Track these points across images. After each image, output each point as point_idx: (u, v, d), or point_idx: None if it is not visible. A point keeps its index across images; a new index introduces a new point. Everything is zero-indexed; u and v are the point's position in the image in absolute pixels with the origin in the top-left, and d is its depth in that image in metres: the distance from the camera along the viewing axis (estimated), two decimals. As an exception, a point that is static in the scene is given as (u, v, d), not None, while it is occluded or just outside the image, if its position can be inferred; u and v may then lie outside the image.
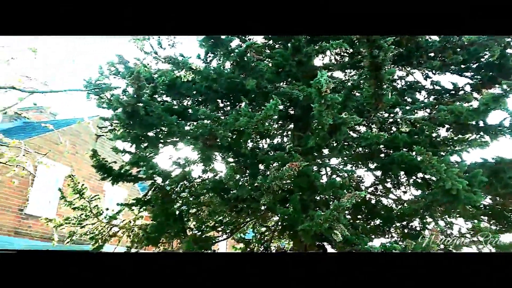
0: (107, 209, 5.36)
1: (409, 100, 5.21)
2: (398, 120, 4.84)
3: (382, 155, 4.89)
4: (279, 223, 5.22)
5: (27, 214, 10.99)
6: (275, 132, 5.52)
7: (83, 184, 5.21)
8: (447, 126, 4.55)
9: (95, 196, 5.23)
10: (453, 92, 5.04)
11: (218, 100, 5.19)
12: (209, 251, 4.90)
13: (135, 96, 4.65)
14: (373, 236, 4.67)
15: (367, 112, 4.58)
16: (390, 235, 4.85)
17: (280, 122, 5.54)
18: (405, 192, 4.82)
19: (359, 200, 4.75)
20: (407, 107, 4.69)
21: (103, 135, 7.78)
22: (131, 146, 4.92)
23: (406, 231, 4.68)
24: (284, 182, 3.94)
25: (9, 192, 10.58)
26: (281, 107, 5.19)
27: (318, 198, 4.47)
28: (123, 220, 5.32)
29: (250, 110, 4.15)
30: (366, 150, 4.91)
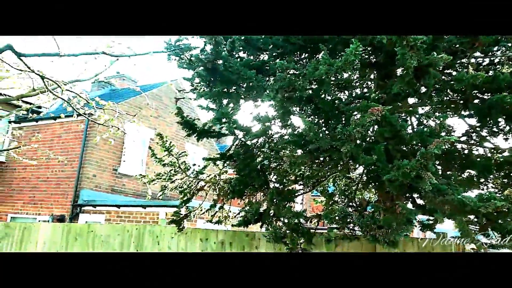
0: (194, 164, 5.67)
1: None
2: (497, 60, 4.33)
3: (477, 100, 4.46)
4: (364, 175, 5.11)
5: (121, 174, 12.13)
6: (356, 83, 5.29)
7: (170, 142, 5.55)
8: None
9: (182, 152, 5.55)
10: None
11: (295, 53, 5.07)
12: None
13: (213, 52, 4.73)
14: (467, 188, 4.37)
15: (460, 52, 4.17)
16: (486, 186, 4.51)
17: (360, 71, 5.28)
18: (506, 139, 4.38)
19: (450, 148, 4.46)
20: (509, 44, 4.17)
21: (183, 98, 8.12)
22: (213, 103, 5.08)
23: (506, 181, 4.31)
24: (366, 129, 3.80)
25: (105, 154, 11.71)
26: (362, 54, 4.93)
27: (405, 148, 4.25)
28: (209, 175, 5.60)
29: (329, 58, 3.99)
30: (458, 96, 4.51)
